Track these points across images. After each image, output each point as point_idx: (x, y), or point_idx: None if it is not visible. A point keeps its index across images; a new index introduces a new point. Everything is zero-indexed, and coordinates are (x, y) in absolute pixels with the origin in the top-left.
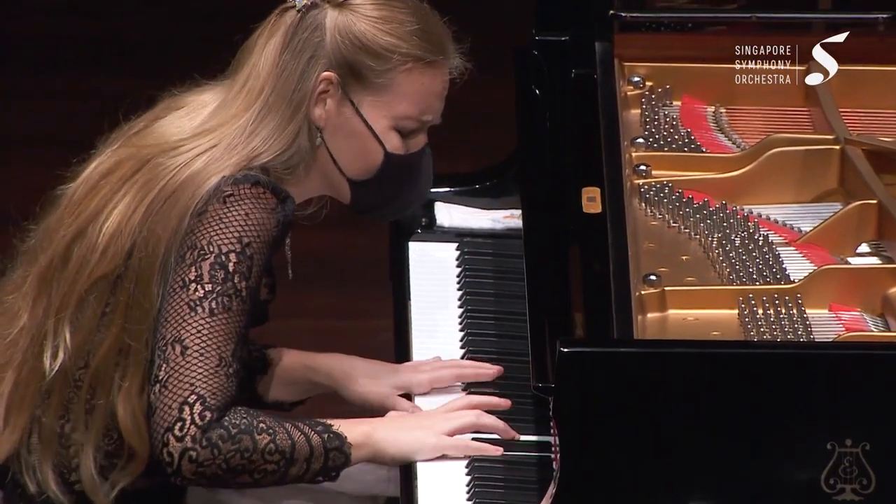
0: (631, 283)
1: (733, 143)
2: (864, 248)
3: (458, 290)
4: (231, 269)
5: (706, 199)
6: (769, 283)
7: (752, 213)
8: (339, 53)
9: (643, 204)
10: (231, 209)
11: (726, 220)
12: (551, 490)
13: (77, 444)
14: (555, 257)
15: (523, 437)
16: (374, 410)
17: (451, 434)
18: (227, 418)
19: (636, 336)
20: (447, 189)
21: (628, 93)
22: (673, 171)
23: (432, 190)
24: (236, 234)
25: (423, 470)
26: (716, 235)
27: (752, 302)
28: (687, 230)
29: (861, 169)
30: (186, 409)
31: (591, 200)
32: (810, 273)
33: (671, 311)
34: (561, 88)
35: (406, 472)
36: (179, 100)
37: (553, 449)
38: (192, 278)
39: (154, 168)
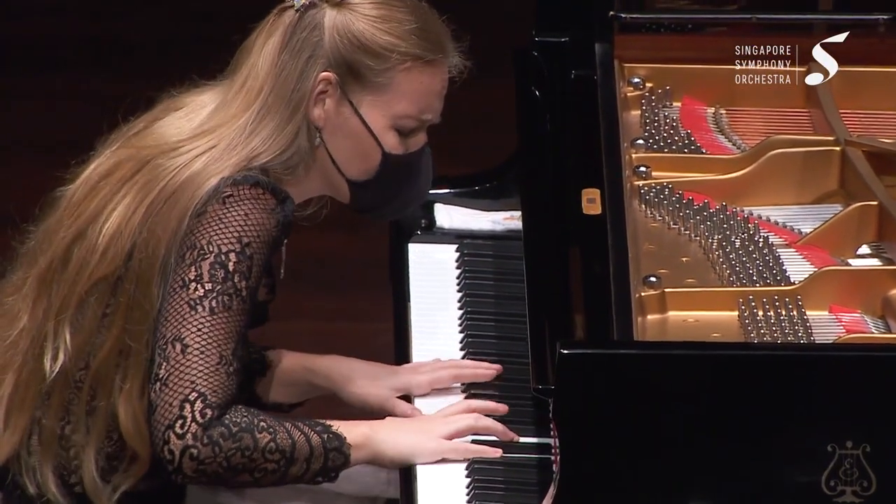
0: (631, 284)
1: (733, 145)
2: (864, 249)
3: (458, 291)
4: (231, 268)
5: (706, 201)
6: (769, 285)
7: (752, 214)
8: (338, 53)
9: (643, 205)
10: (230, 209)
11: (726, 221)
12: (551, 492)
13: (78, 445)
14: (555, 259)
15: (523, 439)
16: (373, 412)
17: (450, 438)
18: (227, 416)
19: (636, 338)
20: (447, 190)
21: (628, 94)
22: (673, 173)
23: (432, 191)
24: (236, 234)
25: (422, 471)
26: (716, 237)
27: (753, 303)
28: (687, 231)
29: (861, 170)
30: (187, 406)
31: (591, 202)
32: (811, 275)
33: (671, 313)
34: (561, 89)
35: (406, 473)
36: (178, 100)
37: (553, 451)
38: (192, 278)
39: (153, 169)
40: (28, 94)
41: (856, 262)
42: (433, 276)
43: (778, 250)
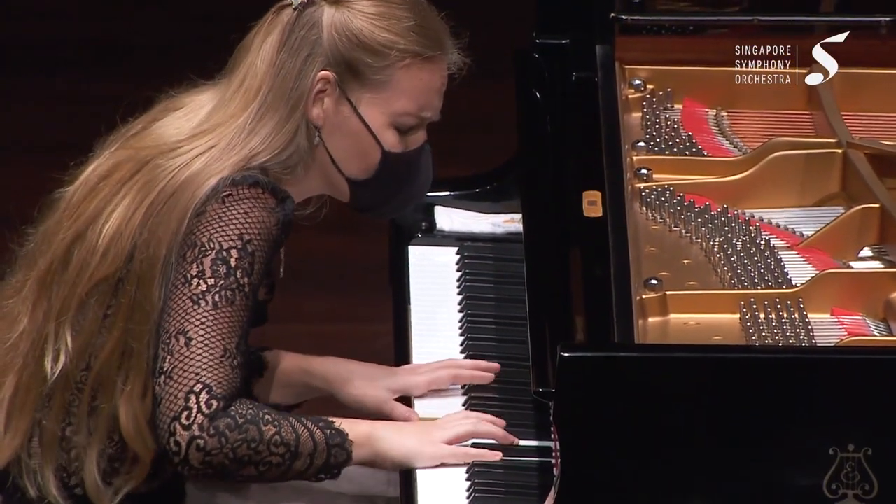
0: (632, 287)
1: (735, 147)
2: (866, 252)
3: (459, 294)
4: (233, 264)
5: (707, 203)
6: (771, 288)
7: (753, 216)
8: (337, 51)
9: (644, 208)
10: (230, 208)
11: (728, 223)
12: (552, 495)
13: (79, 447)
14: (555, 261)
15: (523, 442)
16: (371, 414)
17: (450, 443)
18: (233, 408)
19: (637, 340)
20: (447, 193)
21: (629, 96)
22: (674, 175)
23: (432, 194)
24: (237, 232)
25: (422, 473)
26: (717, 239)
27: (754, 306)
28: (688, 234)
29: (863, 173)
30: (193, 397)
31: (592, 204)
32: (812, 277)
33: (672, 316)
34: (562, 91)
35: (406, 475)
36: (177, 101)
37: (553, 454)
38: (194, 274)
39: (153, 169)
40: (28, 95)
41: (857, 265)
42: (433, 278)
43: (779, 253)
